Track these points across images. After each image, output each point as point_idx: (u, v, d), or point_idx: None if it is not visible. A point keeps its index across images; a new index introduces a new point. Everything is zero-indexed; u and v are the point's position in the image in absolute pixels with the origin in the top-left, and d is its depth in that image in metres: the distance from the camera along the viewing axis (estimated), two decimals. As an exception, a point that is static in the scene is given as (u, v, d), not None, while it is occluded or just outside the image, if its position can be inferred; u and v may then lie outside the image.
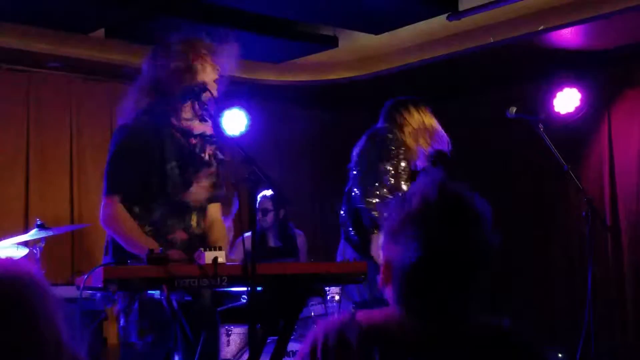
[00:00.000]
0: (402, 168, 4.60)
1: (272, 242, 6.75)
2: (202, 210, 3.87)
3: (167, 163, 3.71)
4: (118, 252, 3.65)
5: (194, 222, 3.82)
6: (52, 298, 1.48)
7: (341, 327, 1.78)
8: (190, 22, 6.07)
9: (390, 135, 4.64)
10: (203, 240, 3.80)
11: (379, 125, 4.81)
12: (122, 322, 3.60)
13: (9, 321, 1.40)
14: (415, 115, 4.77)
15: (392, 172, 4.56)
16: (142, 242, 3.54)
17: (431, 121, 4.80)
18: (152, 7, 5.86)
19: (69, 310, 1.50)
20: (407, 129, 4.71)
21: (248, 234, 6.66)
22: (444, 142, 4.80)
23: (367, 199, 4.52)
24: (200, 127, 3.80)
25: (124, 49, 6.66)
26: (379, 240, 1.92)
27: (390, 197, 4.45)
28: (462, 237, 1.76)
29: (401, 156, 4.61)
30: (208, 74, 3.77)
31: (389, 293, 1.82)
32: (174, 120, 3.74)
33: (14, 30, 6.25)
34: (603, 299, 6.71)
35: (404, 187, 4.53)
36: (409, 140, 4.69)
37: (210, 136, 3.83)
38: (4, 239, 5.28)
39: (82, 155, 7.14)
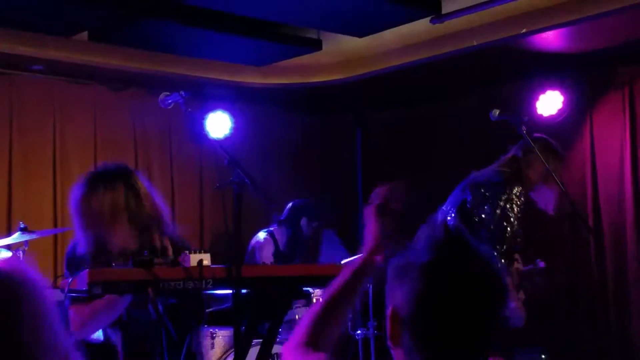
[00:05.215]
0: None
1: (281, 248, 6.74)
2: None
3: None
4: None
5: None
6: (47, 298, 1.47)
7: None
8: (173, 25, 6.07)
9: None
10: None
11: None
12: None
13: (4, 321, 1.39)
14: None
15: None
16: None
17: None
18: (135, 10, 5.84)
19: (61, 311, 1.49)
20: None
21: (261, 240, 6.68)
22: None
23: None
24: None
25: (107, 52, 6.64)
26: None
27: None
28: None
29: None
30: None
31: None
32: None
33: (-4, 33, 6.22)
34: (586, 300, 6.73)
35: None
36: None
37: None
38: (-13, 242, 5.26)
39: (66, 159, 7.10)
